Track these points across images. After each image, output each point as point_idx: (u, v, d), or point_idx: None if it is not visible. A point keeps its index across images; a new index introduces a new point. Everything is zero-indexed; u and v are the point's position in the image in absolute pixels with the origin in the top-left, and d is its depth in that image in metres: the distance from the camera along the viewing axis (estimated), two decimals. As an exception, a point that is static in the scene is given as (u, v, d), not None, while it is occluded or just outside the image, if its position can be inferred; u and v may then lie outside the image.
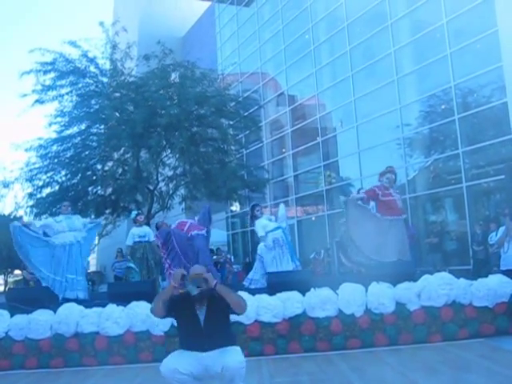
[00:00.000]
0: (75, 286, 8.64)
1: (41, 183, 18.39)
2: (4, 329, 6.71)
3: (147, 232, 10.82)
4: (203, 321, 4.06)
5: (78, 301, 7.91)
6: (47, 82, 18.19)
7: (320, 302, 6.56)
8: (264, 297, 6.71)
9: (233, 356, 3.94)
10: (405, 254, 8.18)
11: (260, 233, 9.16)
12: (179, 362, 3.95)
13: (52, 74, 18.17)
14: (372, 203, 8.73)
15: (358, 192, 9.48)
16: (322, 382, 5.22)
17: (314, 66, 24.16)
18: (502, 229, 9.45)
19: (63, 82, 18.33)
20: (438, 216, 18.26)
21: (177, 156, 19.50)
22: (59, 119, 18.63)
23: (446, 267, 12.71)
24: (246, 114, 21.62)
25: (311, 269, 15.35)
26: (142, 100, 17.63)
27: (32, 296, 7.51)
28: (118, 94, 18.66)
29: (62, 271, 8.63)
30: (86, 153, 18.61)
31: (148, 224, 18.85)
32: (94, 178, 18.92)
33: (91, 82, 18.87)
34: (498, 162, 15.45)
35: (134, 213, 11.80)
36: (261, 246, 9.29)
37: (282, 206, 10.08)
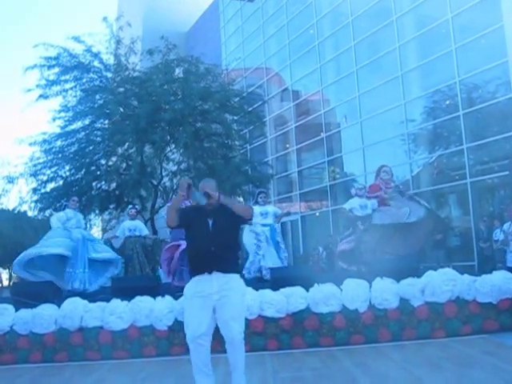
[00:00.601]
0: (72, 277, 8.78)
1: (45, 178, 18.44)
2: (9, 323, 6.73)
3: (138, 226, 10.94)
4: (211, 226, 4.33)
5: (76, 292, 8.17)
6: (51, 77, 18.22)
7: (324, 298, 6.56)
8: (267, 292, 6.71)
9: (236, 323, 4.20)
10: (398, 250, 8.21)
11: None
12: (201, 321, 4.20)
13: (56, 69, 18.20)
14: (373, 200, 8.82)
15: (355, 190, 9.50)
16: (326, 377, 5.22)
17: (319, 61, 24.10)
18: (507, 225, 9.40)
19: (67, 76, 18.35)
20: (441, 212, 18.19)
21: (181, 151, 19.51)
22: (63, 114, 18.67)
23: (449, 263, 12.70)
24: (250, 109, 21.63)
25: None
26: (146, 95, 17.63)
27: (37, 290, 7.53)
28: (122, 89, 18.67)
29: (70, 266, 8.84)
30: (90, 148, 18.64)
31: (152, 219, 18.99)
32: (98, 172, 18.97)
33: (95, 76, 18.88)
34: (502, 158, 15.41)
35: (129, 206, 12.10)
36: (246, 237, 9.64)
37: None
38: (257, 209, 9.58)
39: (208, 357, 4.27)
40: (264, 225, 9.50)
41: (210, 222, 4.32)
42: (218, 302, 4.20)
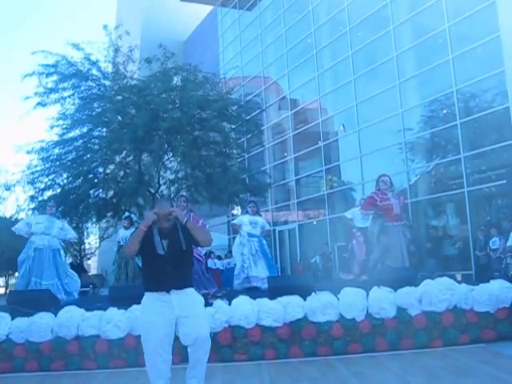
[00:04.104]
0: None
1: (42, 186, 18.42)
2: (5, 331, 6.69)
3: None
4: (166, 247, 4.40)
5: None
6: (49, 85, 18.22)
7: (321, 307, 6.54)
8: (265, 301, 6.70)
9: (203, 322, 4.42)
10: (400, 261, 8.25)
11: (235, 221, 10.20)
12: (163, 333, 4.29)
13: (54, 77, 18.20)
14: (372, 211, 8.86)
15: (360, 201, 9.65)
16: (323, 386, 5.21)
17: (316, 70, 24.17)
18: None
19: (66, 84, 18.35)
20: (439, 221, 18.22)
21: (178, 159, 19.51)
22: (61, 122, 18.67)
23: (446, 272, 12.69)
24: (247, 117, 21.65)
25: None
26: (143, 103, 17.64)
27: (33, 299, 7.51)
28: (120, 98, 18.68)
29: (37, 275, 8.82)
30: (88, 156, 18.63)
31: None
32: (96, 181, 18.93)
33: (93, 85, 18.89)
34: (499, 167, 15.44)
35: (125, 215, 12.31)
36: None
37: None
38: (247, 217, 9.79)
39: (168, 368, 4.35)
40: (253, 235, 9.62)
41: (165, 244, 4.39)
42: (180, 313, 4.31)
